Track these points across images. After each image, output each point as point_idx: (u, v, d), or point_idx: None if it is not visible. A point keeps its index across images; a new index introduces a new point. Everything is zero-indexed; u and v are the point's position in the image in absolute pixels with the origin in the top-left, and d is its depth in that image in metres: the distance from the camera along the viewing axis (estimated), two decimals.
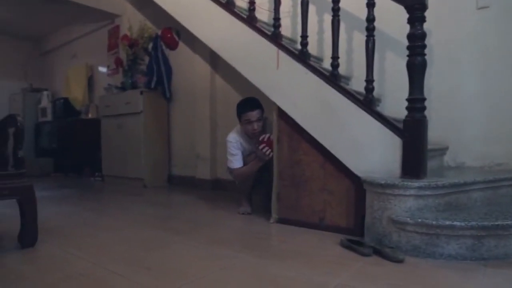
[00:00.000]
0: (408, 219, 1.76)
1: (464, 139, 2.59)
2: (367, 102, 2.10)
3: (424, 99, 1.92)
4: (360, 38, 2.58)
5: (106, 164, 5.03)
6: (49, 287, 1.46)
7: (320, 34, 3.20)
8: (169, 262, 1.74)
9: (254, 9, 2.61)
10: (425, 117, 1.93)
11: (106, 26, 5.71)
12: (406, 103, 1.95)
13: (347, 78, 2.97)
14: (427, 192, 1.82)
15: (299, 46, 2.44)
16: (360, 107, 2.10)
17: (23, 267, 1.71)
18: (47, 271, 1.64)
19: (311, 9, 2.64)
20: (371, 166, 2.06)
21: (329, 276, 1.55)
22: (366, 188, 2.02)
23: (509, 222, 1.68)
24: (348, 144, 2.15)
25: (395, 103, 2.46)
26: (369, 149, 2.08)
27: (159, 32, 4.51)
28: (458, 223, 1.68)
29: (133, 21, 4.85)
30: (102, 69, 5.95)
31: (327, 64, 2.54)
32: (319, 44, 3.19)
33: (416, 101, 1.91)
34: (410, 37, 1.89)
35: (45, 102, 6.66)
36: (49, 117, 6.54)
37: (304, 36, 2.38)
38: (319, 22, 3.20)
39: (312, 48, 2.51)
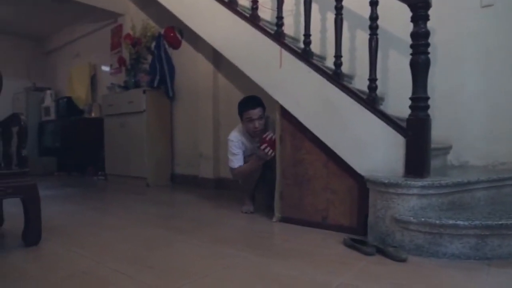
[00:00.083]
0: (412, 218, 1.76)
1: (467, 138, 2.58)
2: (370, 101, 2.10)
3: (428, 98, 1.91)
4: (363, 36, 2.57)
5: (109, 163, 5.05)
6: (52, 285, 1.47)
7: (323, 32, 3.19)
8: (172, 261, 1.74)
9: (257, 8, 2.61)
10: (428, 116, 1.92)
11: (109, 25, 5.72)
12: (409, 102, 1.95)
13: (350, 77, 2.96)
14: (431, 191, 1.82)
15: (302, 45, 2.43)
16: (363, 106, 2.09)
17: (27, 265, 1.72)
18: (50, 269, 1.65)
19: (314, 7, 2.63)
20: (374, 165, 2.05)
21: (332, 275, 1.55)
22: (369, 187, 2.01)
23: None
24: (351, 143, 2.15)
25: (398, 102, 2.45)
26: (372, 148, 2.08)
27: (162, 31, 4.51)
28: (461, 222, 1.67)
29: (136, 20, 4.85)
30: (105, 68, 5.96)
31: (330, 62, 2.54)
32: (322, 42, 3.19)
33: (420, 100, 1.91)
34: (413, 35, 1.88)
35: (48, 101, 6.68)
36: (52, 116, 6.56)
37: (307, 35, 2.38)
38: (322, 20, 3.19)
39: (315, 47, 2.51)
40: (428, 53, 1.88)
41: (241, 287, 1.45)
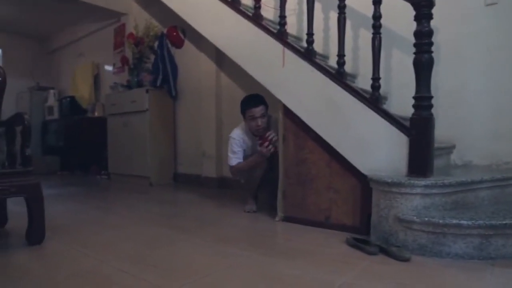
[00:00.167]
0: (415, 217, 1.75)
1: (471, 137, 2.57)
2: (373, 100, 2.09)
3: (431, 97, 1.91)
4: (366, 35, 2.56)
5: (112, 162, 5.06)
6: (56, 284, 1.48)
7: (326, 31, 3.18)
8: (175, 260, 1.74)
9: (259, 7, 2.61)
10: (432, 115, 1.91)
11: (112, 25, 5.73)
12: (412, 101, 1.94)
13: (353, 76, 2.95)
14: (434, 191, 1.81)
15: (305, 44, 2.43)
16: (366, 105, 2.09)
17: (31, 264, 1.73)
18: (54, 268, 1.66)
19: (317, 6, 2.63)
20: (377, 164, 2.05)
21: (335, 274, 1.55)
22: (372, 186, 2.01)
23: None
24: (354, 142, 2.14)
25: (401, 101, 2.44)
26: (375, 147, 2.07)
27: (165, 31, 4.52)
28: (465, 222, 1.66)
29: (139, 20, 4.85)
30: (108, 68, 5.97)
31: (333, 62, 2.53)
32: (325, 41, 3.18)
33: (423, 99, 1.90)
34: (417, 34, 1.88)
35: (51, 101, 6.70)
36: (55, 116, 6.58)
37: (310, 34, 2.38)
38: (324, 19, 3.18)
39: (318, 46, 2.50)
40: (432, 52, 1.87)
41: (244, 286, 1.45)
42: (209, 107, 4.17)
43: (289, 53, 2.38)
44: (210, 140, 4.18)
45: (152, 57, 4.66)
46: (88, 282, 1.49)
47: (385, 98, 2.76)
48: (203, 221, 2.56)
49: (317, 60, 2.33)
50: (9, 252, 1.92)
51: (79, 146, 5.83)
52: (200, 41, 4.08)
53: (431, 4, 1.85)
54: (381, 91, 2.15)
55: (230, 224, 2.49)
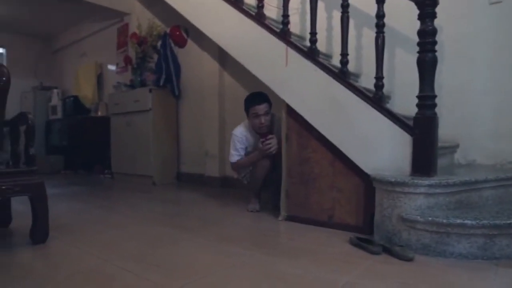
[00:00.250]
0: (418, 217, 1.74)
1: (475, 136, 2.56)
2: (376, 99, 2.09)
3: (435, 96, 1.90)
4: (369, 34, 2.56)
5: (116, 162, 5.07)
6: (59, 283, 1.48)
7: (329, 31, 3.18)
8: (178, 259, 1.74)
9: (262, 6, 2.61)
10: (435, 114, 1.91)
11: (115, 25, 5.75)
12: (416, 100, 1.93)
13: (357, 75, 2.94)
14: (438, 190, 1.80)
15: (308, 43, 2.42)
16: (370, 104, 2.08)
17: (35, 263, 1.73)
18: (57, 267, 1.66)
19: (320, 5, 2.62)
20: (381, 163, 2.04)
21: (338, 274, 1.54)
22: (376, 186, 2.00)
23: None
24: (357, 142, 2.14)
25: (405, 100, 2.43)
26: (379, 146, 2.06)
27: (168, 30, 4.52)
28: (469, 222, 1.66)
29: (142, 19, 4.87)
30: (111, 67, 5.99)
31: (336, 61, 2.52)
32: (328, 41, 3.17)
33: (427, 98, 1.89)
34: (420, 33, 1.87)
35: (55, 100, 6.73)
36: (59, 115, 6.60)
37: (313, 33, 2.37)
38: (328, 18, 3.17)
39: (321, 45, 2.50)
40: (435, 51, 1.87)
41: (247, 285, 1.45)
42: (212, 107, 4.18)
43: (292, 52, 2.38)
44: (213, 140, 4.18)
45: (155, 56, 4.67)
46: (91, 281, 1.49)
47: (389, 97, 2.76)
48: (206, 221, 2.56)
49: (320, 59, 2.33)
50: (13, 251, 1.93)
51: (82, 146, 5.85)
52: (203, 40, 4.09)
53: (435, 3, 1.84)
54: (385, 90, 2.14)
55: (233, 223, 2.49)
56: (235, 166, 2.84)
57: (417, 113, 1.93)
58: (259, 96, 2.71)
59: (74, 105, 6.30)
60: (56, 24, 6.64)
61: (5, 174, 1.86)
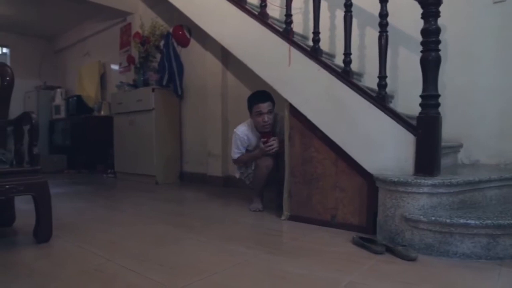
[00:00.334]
0: (421, 217, 1.74)
1: (478, 136, 2.55)
2: (379, 98, 2.08)
3: (438, 96, 1.89)
4: (372, 34, 2.55)
5: (119, 161, 5.09)
6: (63, 282, 1.49)
7: (332, 30, 3.17)
8: (181, 258, 1.75)
9: (265, 6, 2.61)
10: (439, 113, 1.90)
11: (118, 24, 5.76)
12: (419, 100, 1.92)
13: (360, 75, 2.94)
14: (441, 190, 1.80)
15: (311, 43, 2.42)
16: (373, 103, 2.08)
17: (38, 262, 1.74)
18: (61, 266, 1.67)
19: (323, 5, 2.62)
20: (384, 163, 2.04)
21: (341, 273, 1.54)
22: (379, 185, 2.00)
23: None
24: (360, 141, 2.13)
25: (408, 99, 2.43)
26: (382, 146, 2.06)
27: (171, 30, 4.53)
28: (472, 222, 1.65)
29: (144, 19, 4.87)
30: (114, 67, 6.00)
31: (339, 60, 2.52)
32: (331, 40, 3.17)
33: (430, 98, 1.88)
34: (424, 32, 1.86)
35: (58, 100, 6.76)
36: (62, 115, 6.63)
37: (316, 33, 2.37)
38: (331, 18, 3.17)
39: (324, 45, 2.50)
40: (439, 50, 1.86)
41: (250, 284, 1.45)
42: (215, 106, 4.18)
43: (295, 52, 2.38)
44: (215, 139, 4.18)
45: (158, 56, 4.68)
46: (95, 280, 1.49)
47: (392, 97, 2.75)
48: (209, 220, 2.57)
49: (323, 59, 2.32)
50: (17, 250, 1.94)
51: (85, 145, 5.88)
52: (205, 40, 4.09)
53: (438, 2, 1.83)
54: (388, 89, 2.14)
55: (236, 222, 2.49)
56: (236, 162, 2.88)
57: (420, 113, 1.92)
58: (262, 94, 2.71)
59: (77, 104, 6.32)
60: (59, 24, 6.66)
61: (9, 173, 1.87)
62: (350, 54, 2.26)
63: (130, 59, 5.14)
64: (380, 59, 2.11)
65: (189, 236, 2.13)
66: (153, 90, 4.44)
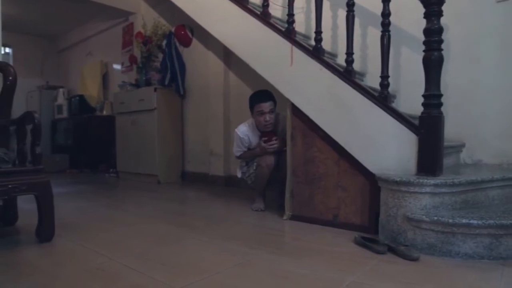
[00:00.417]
0: (424, 217, 1.74)
1: (481, 135, 2.54)
2: (382, 98, 2.08)
3: (441, 95, 1.89)
4: (375, 33, 2.54)
5: (121, 161, 5.10)
6: (65, 280, 1.49)
7: (334, 30, 3.17)
8: (183, 258, 1.75)
9: (267, 5, 2.61)
10: (441, 113, 1.89)
11: (120, 24, 5.77)
12: (422, 99, 1.92)
13: (362, 74, 2.94)
14: (443, 190, 1.79)
15: (313, 42, 2.42)
16: (375, 103, 2.07)
17: (40, 261, 1.74)
18: (63, 265, 1.67)
19: (325, 4, 2.61)
20: (386, 163, 2.03)
21: (343, 273, 1.54)
22: (381, 185, 1.99)
23: None
24: (362, 141, 2.13)
25: (410, 99, 2.43)
26: (384, 146, 2.06)
27: (173, 29, 4.53)
28: (475, 222, 1.65)
29: (147, 19, 4.88)
30: (117, 67, 6.01)
31: (341, 60, 2.52)
32: (333, 40, 3.17)
33: (433, 97, 1.88)
34: (426, 32, 1.86)
35: (61, 99, 6.77)
36: (64, 114, 6.64)
37: (318, 32, 2.37)
38: (333, 17, 3.17)
39: (326, 44, 2.49)
40: (441, 49, 1.85)
41: (252, 284, 1.45)
42: (217, 106, 4.18)
43: (297, 52, 2.38)
44: (218, 139, 4.19)
45: (160, 56, 4.68)
46: (97, 279, 1.50)
47: (394, 97, 2.75)
48: (211, 219, 2.57)
49: (326, 59, 2.32)
50: (19, 249, 1.94)
51: (88, 145, 5.89)
52: (208, 39, 4.10)
53: (441, 1, 1.83)
54: (390, 89, 2.13)
55: (238, 222, 2.49)
56: (239, 158, 2.91)
57: (422, 112, 1.92)
58: (264, 94, 2.71)
59: (80, 104, 6.33)
60: (62, 24, 6.68)
61: (12, 173, 1.87)
62: (352, 53, 2.25)
63: (132, 59, 5.14)
64: (382, 59, 2.10)
65: (191, 235, 2.14)
66: (155, 89, 4.44)
